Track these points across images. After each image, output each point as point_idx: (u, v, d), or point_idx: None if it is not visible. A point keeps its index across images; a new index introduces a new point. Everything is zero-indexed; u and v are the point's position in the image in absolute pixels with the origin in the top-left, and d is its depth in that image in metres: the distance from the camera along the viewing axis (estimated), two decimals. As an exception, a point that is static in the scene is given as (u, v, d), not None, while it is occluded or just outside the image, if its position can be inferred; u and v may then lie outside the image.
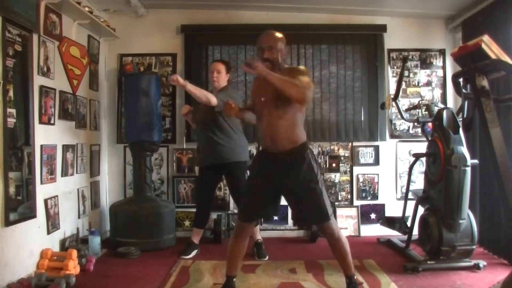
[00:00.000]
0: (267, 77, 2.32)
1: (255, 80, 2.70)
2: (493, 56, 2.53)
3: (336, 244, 2.54)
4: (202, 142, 3.71)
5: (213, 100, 3.32)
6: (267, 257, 3.56)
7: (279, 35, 2.54)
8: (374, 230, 4.38)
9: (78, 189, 3.78)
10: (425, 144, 3.66)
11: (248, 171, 2.83)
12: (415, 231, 3.54)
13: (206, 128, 3.58)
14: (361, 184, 4.53)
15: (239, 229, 2.65)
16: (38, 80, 3.12)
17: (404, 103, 4.42)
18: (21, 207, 2.86)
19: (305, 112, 2.60)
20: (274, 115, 2.45)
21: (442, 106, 4.15)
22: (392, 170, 4.54)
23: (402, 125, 4.53)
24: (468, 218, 3.24)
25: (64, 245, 3.43)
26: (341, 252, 2.55)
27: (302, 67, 2.73)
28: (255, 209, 2.62)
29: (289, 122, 2.46)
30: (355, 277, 2.64)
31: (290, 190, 2.54)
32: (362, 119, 4.49)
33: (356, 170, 4.53)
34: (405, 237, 3.71)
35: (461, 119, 3.33)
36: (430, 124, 3.65)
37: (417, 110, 4.15)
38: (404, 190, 4.14)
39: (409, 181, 3.80)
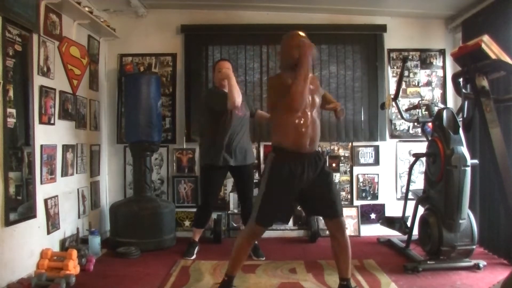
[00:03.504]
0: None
1: (286, 81, 2.47)
2: (493, 56, 2.53)
3: (345, 243, 2.53)
4: (228, 142, 3.53)
5: (238, 101, 3.39)
6: (264, 257, 3.56)
7: None
8: (374, 230, 4.38)
9: (78, 189, 3.78)
10: (425, 144, 3.66)
11: (270, 177, 2.56)
12: (415, 231, 3.55)
13: (238, 130, 3.55)
14: (361, 184, 4.53)
15: (255, 233, 2.60)
16: (38, 80, 3.12)
17: (404, 103, 4.42)
18: (21, 207, 2.86)
19: None
20: (314, 116, 2.50)
21: (442, 106, 4.15)
22: (392, 170, 4.54)
23: (402, 125, 4.53)
24: (468, 218, 3.24)
25: (64, 245, 3.43)
26: (347, 252, 2.53)
27: (311, 75, 2.66)
28: (279, 214, 2.59)
29: (319, 123, 2.57)
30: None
31: (320, 183, 2.52)
32: (362, 119, 4.49)
33: (356, 170, 4.53)
34: (405, 237, 3.71)
35: (461, 119, 3.33)
36: (430, 124, 3.65)
37: (417, 110, 4.16)
38: (404, 190, 4.14)
39: (409, 181, 3.80)
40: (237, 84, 3.44)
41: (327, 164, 2.69)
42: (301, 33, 2.54)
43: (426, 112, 3.89)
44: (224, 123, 3.51)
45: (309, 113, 2.48)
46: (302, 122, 2.45)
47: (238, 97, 3.37)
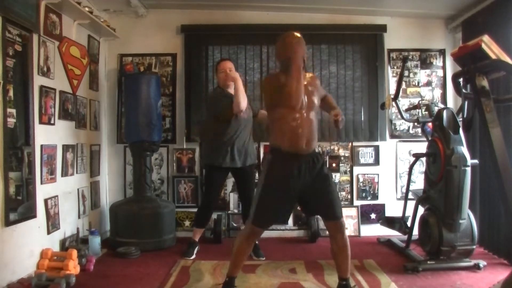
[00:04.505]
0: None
1: (279, 80, 2.49)
2: (493, 56, 2.52)
3: (345, 243, 2.54)
4: (231, 144, 3.52)
5: (243, 105, 3.38)
6: (264, 258, 3.56)
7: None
8: (374, 230, 4.38)
9: (78, 189, 3.78)
10: (425, 144, 3.66)
11: (266, 177, 2.56)
12: (415, 231, 3.54)
13: (241, 131, 3.53)
14: (361, 184, 4.53)
15: (252, 234, 2.59)
16: (38, 80, 3.12)
17: (404, 103, 4.42)
18: (21, 207, 2.86)
19: None
20: (310, 117, 2.48)
21: (442, 106, 4.15)
22: (392, 170, 4.54)
23: (402, 125, 4.53)
24: (468, 218, 3.25)
25: (64, 245, 3.43)
26: (346, 252, 2.54)
27: (312, 74, 2.73)
28: (276, 216, 2.58)
29: (316, 123, 2.55)
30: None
31: (319, 185, 2.51)
32: (362, 119, 4.49)
33: (356, 170, 4.53)
34: (405, 237, 3.71)
35: (461, 119, 3.33)
36: (430, 124, 3.65)
37: (417, 110, 4.15)
38: (404, 190, 4.14)
39: (409, 181, 3.80)
40: (243, 87, 3.44)
41: (327, 165, 2.65)
42: (296, 34, 2.54)
43: (426, 112, 3.89)
44: (227, 125, 3.51)
45: (305, 114, 2.47)
46: (298, 123, 2.44)
47: (243, 101, 3.37)
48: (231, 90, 3.59)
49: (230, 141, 3.52)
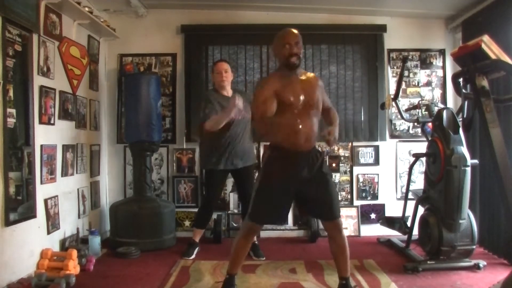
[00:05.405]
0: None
1: (281, 78, 2.49)
2: (493, 56, 2.52)
3: (343, 243, 2.54)
4: (227, 147, 3.52)
5: (213, 129, 3.40)
6: (264, 257, 3.56)
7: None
8: (374, 230, 4.38)
9: (78, 189, 3.78)
10: (425, 144, 3.66)
11: (263, 173, 2.58)
12: (415, 231, 3.54)
13: (237, 132, 3.51)
14: (361, 184, 4.53)
15: (250, 231, 2.61)
16: (38, 80, 3.12)
17: (404, 103, 4.42)
18: (21, 207, 2.86)
19: None
20: (312, 115, 2.49)
21: (442, 106, 4.15)
22: (392, 170, 4.54)
23: (402, 125, 4.53)
24: (468, 218, 3.24)
25: (64, 245, 3.43)
26: (345, 251, 2.54)
27: (313, 74, 2.68)
28: (273, 213, 2.57)
29: (318, 121, 2.55)
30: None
31: (317, 184, 2.51)
32: (362, 119, 4.49)
33: (356, 170, 4.53)
34: (405, 237, 3.71)
35: (461, 119, 3.33)
36: (430, 124, 3.65)
37: (417, 110, 4.15)
38: (404, 190, 4.14)
39: (409, 181, 3.80)
40: (226, 118, 3.32)
41: (327, 164, 2.64)
42: (294, 31, 2.53)
43: (426, 112, 3.89)
44: (222, 128, 3.44)
45: (304, 112, 2.46)
46: (296, 120, 2.43)
47: (214, 127, 3.37)
48: (225, 92, 3.60)
49: (225, 144, 3.52)
